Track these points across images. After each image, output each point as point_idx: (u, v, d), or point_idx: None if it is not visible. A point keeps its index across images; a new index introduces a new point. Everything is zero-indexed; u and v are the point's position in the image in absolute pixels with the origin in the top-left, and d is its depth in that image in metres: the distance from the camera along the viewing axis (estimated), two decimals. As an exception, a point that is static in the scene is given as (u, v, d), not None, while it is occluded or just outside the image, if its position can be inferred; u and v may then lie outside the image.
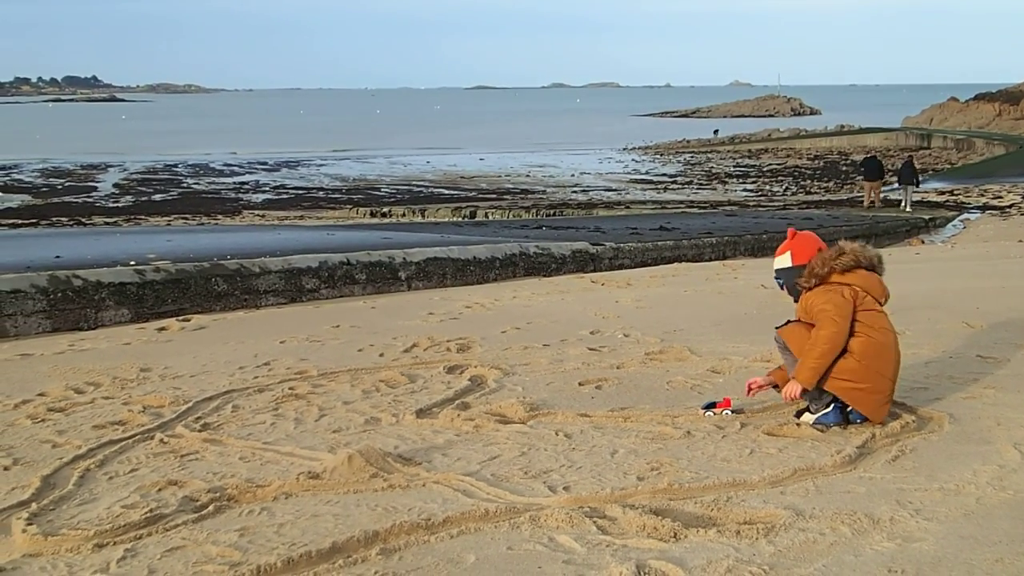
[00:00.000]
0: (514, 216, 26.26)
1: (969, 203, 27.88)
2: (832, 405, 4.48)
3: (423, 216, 27.29)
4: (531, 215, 26.44)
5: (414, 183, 39.36)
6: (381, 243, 13.78)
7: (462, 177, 42.02)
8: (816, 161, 47.76)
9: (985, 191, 30.63)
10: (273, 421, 5.01)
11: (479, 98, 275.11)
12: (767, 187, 36.13)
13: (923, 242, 19.72)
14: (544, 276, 13.22)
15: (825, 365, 4.37)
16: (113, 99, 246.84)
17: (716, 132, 65.80)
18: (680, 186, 37.94)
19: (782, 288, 4.75)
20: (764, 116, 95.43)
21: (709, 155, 54.00)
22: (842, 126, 65.55)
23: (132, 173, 43.04)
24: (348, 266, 11.83)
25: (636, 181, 40.21)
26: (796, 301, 4.64)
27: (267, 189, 36.89)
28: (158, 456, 4.44)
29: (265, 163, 49.60)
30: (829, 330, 4.35)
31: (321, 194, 34.95)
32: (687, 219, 21.99)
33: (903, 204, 25.70)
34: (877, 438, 4.30)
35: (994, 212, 25.66)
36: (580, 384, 5.57)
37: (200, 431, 4.83)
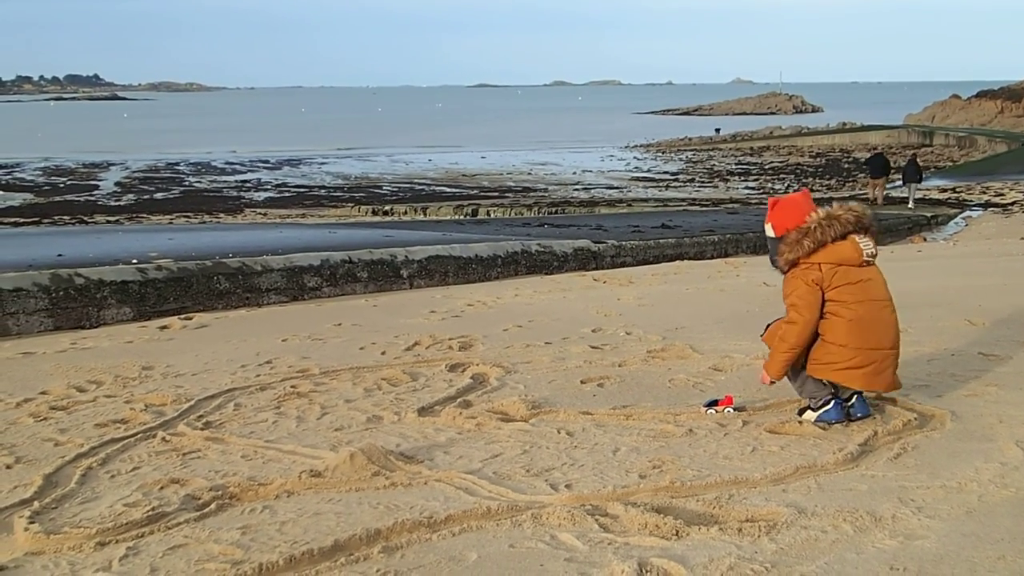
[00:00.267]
0: (516, 214, 26.25)
1: (971, 200, 27.87)
2: (833, 402, 4.47)
3: (425, 214, 27.28)
4: (533, 213, 26.43)
5: (416, 181, 39.37)
6: (383, 241, 13.79)
7: (464, 175, 42.01)
8: (818, 159, 47.75)
9: (987, 188, 30.62)
10: (275, 419, 5.01)
11: (481, 96, 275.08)
12: (769, 185, 36.11)
13: (925, 239, 19.70)
14: (546, 274, 13.23)
15: (793, 357, 4.39)
16: (115, 97, 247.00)
17: (718, 130, 65.76)
18: (682, 184, 37.91)
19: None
20: (766, 114, 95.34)
21: (711, 153, 53.98)
22: (844, 123, 65.50)
23: (134, 171, 43.07)
24: (350, 264, 11.83)
25: (638, 179, 40.19)
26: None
27: (269, 187, 36.91)
28: (160, 454, 4.44)
29: (267, 161, 49.63)
30: (795, 326, 4.35)
31: (323, 192, 34.96)
32: (689, 217, 21.98)
33: (910, 201, 25.71)
34: (879, 436, 4.30)
35: (996, 210, 25.64)
36: (582, 382, 5.57)
37: (202, 429, 4.84)
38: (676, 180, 39.57)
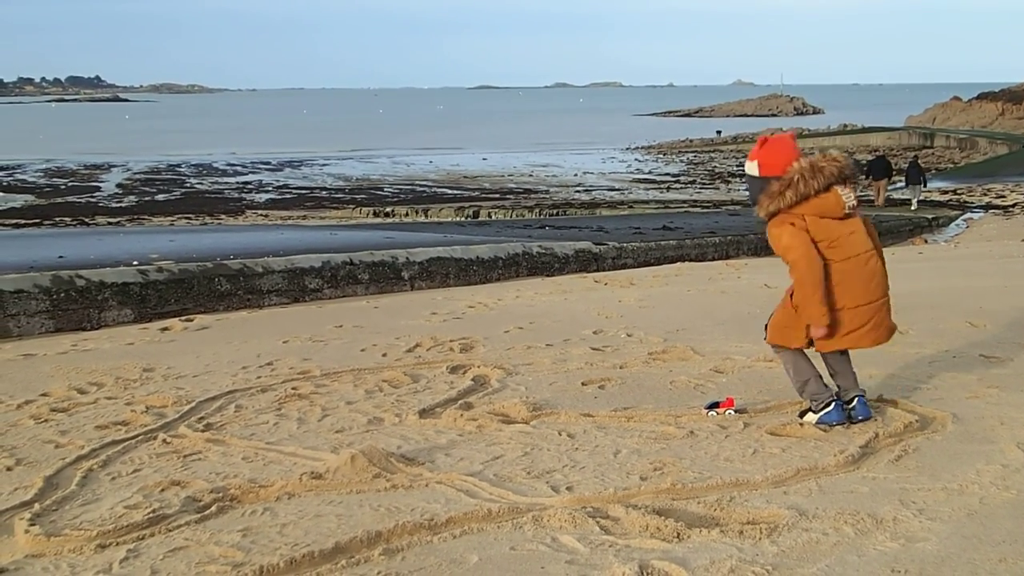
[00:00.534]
0: (517, 216, 26.26)
1: (972, 202, 27.88)
2: (834, 404, 4.46)
3: (426, 216, 27.30)
4: (534, 215, 26.44)
5: (417, 183, 39.39)
6: (384, 243, 13.79)
7: (465, 177, 42.04)
8: (819, 160, 47.64)
9: (988, 190, 30.63)
10: (276, 421, 5.01)
11: (482, 98, 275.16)
12: (770, 186, 36.04)
13: (926, 241, 19.71)
14: (547, 276, 13.22)
15: (822, 294, 4.23)
16: (116, 99, 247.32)
17: (719, 133, 65.78)
18: (683, 186, 37.93)
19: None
20: (767, 115, 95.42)
21: (712, 154, 53.98)
22: (845, 125, 65.53)
23: (135, 173, 43.12)
24: (351, 266, 11.83)
25: (639, 181, 40.21)
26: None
27: (270, 189, 36.95)
28: (161, 456, 4.44)
29: (268, 163, 49.69)
30: (799, 263, 4.24)
31: (324, 194, 34.99)
32: (690, 218, 21.98)
33: (912, 203, 25.71)
34: (880, 438, 4.29)
35: (997, 211, 25.64)
36: (583, 384, 5.57)
37: (203, 431, 4.83)
38: (677, 182, 39.59)
